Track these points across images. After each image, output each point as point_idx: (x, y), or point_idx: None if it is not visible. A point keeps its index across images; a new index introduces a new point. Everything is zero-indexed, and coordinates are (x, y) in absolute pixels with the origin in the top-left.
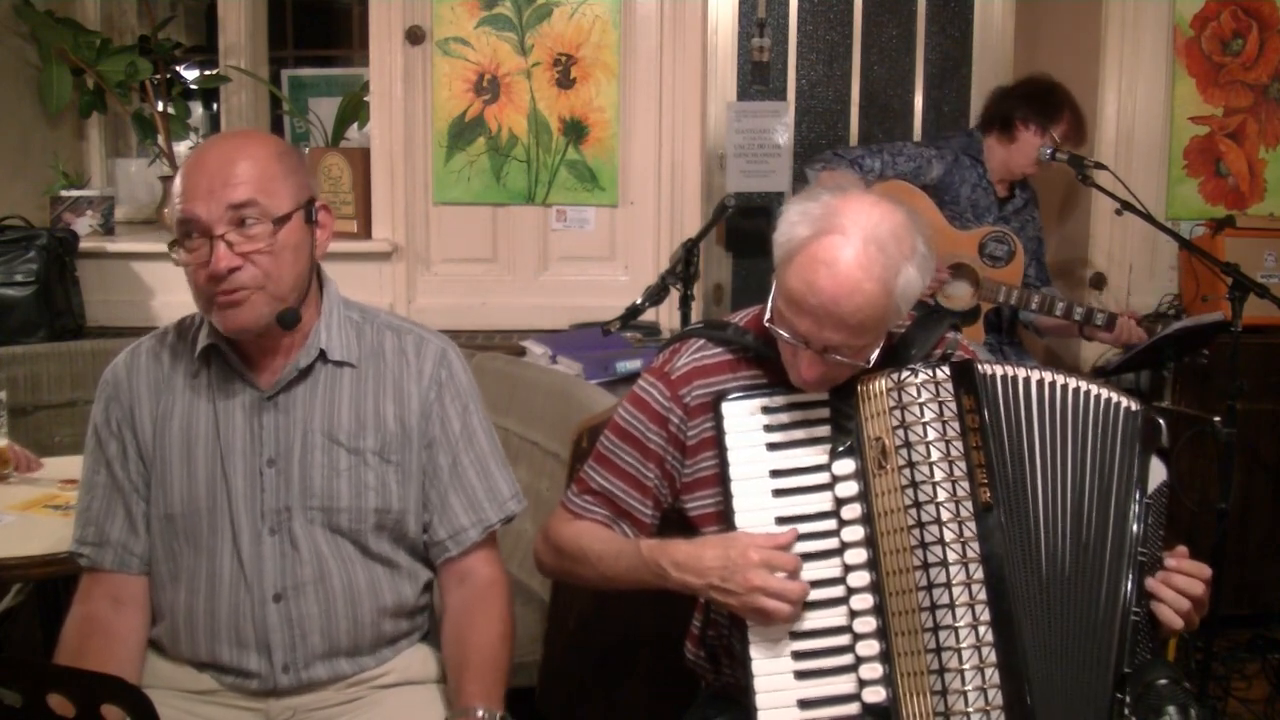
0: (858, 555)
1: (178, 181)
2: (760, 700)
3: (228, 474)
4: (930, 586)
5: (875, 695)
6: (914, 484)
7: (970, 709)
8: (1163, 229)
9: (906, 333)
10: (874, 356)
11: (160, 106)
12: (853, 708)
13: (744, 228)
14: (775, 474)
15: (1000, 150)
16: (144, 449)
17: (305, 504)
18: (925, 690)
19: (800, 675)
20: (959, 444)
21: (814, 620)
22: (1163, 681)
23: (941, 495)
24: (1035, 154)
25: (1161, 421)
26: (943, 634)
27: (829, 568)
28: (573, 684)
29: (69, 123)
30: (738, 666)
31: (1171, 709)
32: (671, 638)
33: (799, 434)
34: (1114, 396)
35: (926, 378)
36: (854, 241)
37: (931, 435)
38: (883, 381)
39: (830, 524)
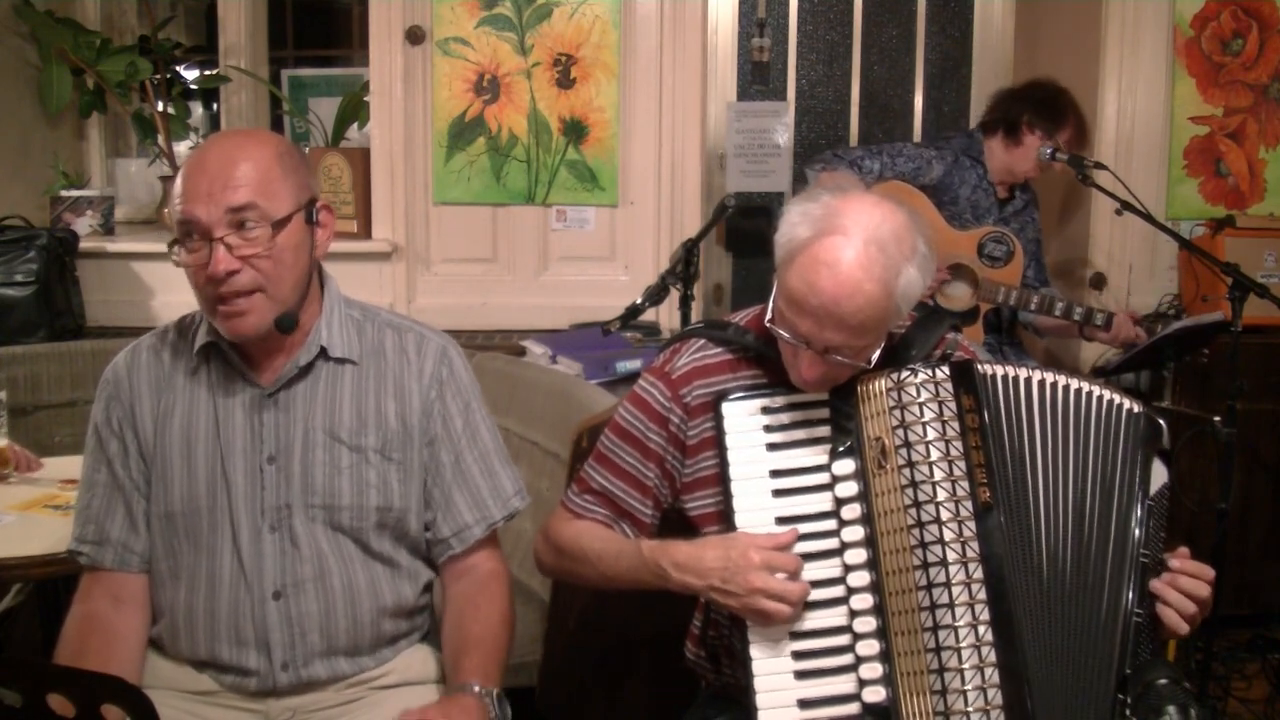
0: (858, 555)
1: (178, 182)
2: (760, 700)
3: (228, 471)
4: (930, 586)
5: (875, 695)
6: (914, 484)
7: (970, 709)
8: (1163, 229)
9: (906, 333)
10: (875, 357)
11: (160, 106)
12: (853, 707)
13: (744, 228)
14: (775, 474)
15: (1003, 153)
16: (145, 447)
17: (306, 501)
18: (925, 690)
19: (800, 675)
20: (959, 444)
21: (814, 620)
22: (1163, 681)
23: (941, 495)
24: (1038, 158)
25: (1163, 423)
26: (942, 634)
27: (829, 568)
28: (573, 684)
29: (69, 123)
30: (738, 666)
31: (1171, 709)
32: (671, 638)
33: (799, 434)
34: (1115, 397)
35: (926, 378)
36: (855, 242)
37: (931, 435)
38: (883, 381)
39: (830, 524)
